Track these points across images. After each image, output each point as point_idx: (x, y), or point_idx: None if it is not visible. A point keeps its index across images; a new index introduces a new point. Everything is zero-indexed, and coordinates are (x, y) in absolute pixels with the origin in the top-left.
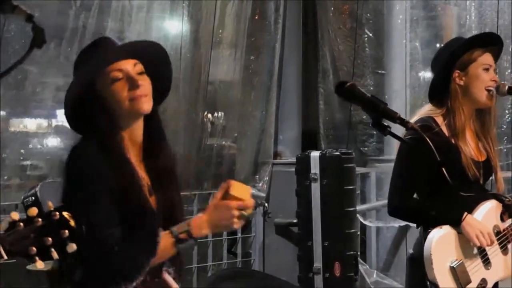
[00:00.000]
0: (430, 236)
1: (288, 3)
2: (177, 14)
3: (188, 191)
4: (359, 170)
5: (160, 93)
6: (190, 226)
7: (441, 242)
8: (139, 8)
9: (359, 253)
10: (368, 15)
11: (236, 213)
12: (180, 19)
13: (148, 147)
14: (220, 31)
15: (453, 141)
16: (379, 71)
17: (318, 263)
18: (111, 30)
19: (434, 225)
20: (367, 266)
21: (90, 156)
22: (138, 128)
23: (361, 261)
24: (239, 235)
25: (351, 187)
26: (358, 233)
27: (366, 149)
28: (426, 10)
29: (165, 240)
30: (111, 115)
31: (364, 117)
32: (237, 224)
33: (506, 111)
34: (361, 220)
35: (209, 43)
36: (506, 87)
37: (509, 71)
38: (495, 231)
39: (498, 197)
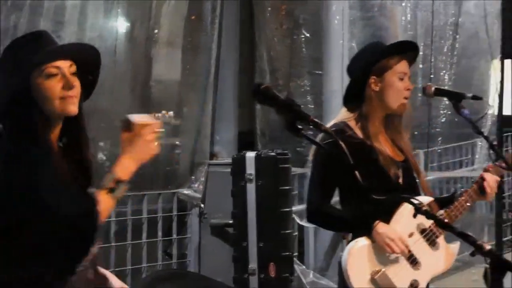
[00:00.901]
0: (345, 251)
1: (225, 3)
2: (112, 14)
3: (137, 191)
4: (296, 170)
5: (84, 97)
6: (114, 172)
7: (356, 256)
8: (73, 7)
9: (296, 253)
10: (306, 15)
11: (150, 137)
12: (115, 19)
13: (67, 147)
14: (156, 31)
15: (368, 143)
16: (317, 72)
17: (253, 264)
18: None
19: (354, 233)
20: (304, 267)
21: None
22: (58, 128)
23: (298, 261)
24: (175, 236)
25: (286, 187)
26: (296, 233)
27: (303, 149)
28: (363, 10)
29: (100, 196)
30: (42, 110)
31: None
32: (157, 147)
33: (441, 112)
34: (298, 220)
35: (145, 43)
36: (433, 88)
37: (444, 71)
38: (420, 230)
39: (409, 200)
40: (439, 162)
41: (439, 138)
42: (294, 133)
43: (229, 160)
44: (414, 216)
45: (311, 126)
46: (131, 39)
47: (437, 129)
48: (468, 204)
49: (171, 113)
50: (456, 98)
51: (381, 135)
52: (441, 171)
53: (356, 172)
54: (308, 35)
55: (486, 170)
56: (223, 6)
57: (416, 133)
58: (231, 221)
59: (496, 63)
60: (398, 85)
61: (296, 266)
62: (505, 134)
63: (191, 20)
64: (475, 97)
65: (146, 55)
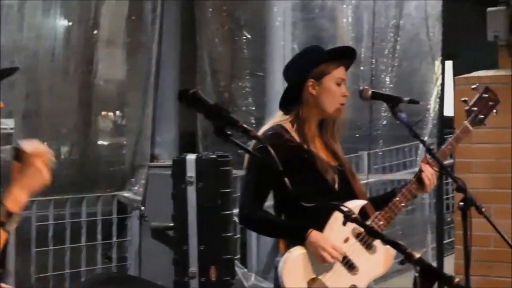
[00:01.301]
0: (280, 261)
1: (166, 3)
2: (50, 14)
3: (75, 194)
4: (238, 173)
5: None
6: (5, 206)
7: (292, 266)
8: (10, 7)
9: (238, 256)
10: (247, 16)
11: (41, 165)
12: (54, 19)
13: None
14: (96, 31)
15: (305, 147)
16: (258, 73)
17: (193, 267)
18: None
19: (289, 240)
20: (246, 270)
21: None
22: None
23: (239, 264)
24: (114, 239)
25: (227, 190)
26: (238, 235)
27: (243, 151)
28: (304, 11)
29: None
30: None
31: (243, 119)
32: (48, 175)
33: (382, 114)
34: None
35: (85, 43)
36: (369, 92)
37: (385, 74)
38: (356, 234)
39: (338, 208)
40: (382, 164)
41: (380, 140)
42: (223, 139)
43: (170, 162)
44: (344, 224)
45: (240, 132)
46: (70, 39)
47: (379, 131)
48: (402, 204)
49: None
50: (392, 101)
51: (317, 138)
52: (384, 173)
53: (286, 179)
54: (249, 36)
55: (424, 161)
56: (164, 6)
57: (357, 135)
58: (171, 224)
59: (437, 66)
60: (335, 90)
61: (237, 269)
62: (446, 136)
63: (132, 20)
64: (412, 101)
65: (85, 55)
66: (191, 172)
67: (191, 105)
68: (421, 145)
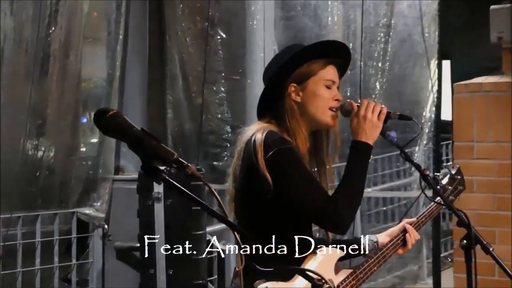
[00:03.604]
0: None
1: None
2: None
3: (28, 211)
4: (212, 187)
5: None
6: None
7: None
8: None
9: (215, 276)
10: (222, 14)
11: None
12: (3, 18)
13: None
14: (51, 31)
15: None
16: (234, 77)
17: None
18: None
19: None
20: None
21: None
22: None
23: (213, 287)
24: (74, 261)
25: (199, 208)
26: (215, 254)
27: (219, 163)
28: (284, 10)
29: None
30: None
31: (218, 127)
32: None
33: None
34: (216, 242)
35: (37, 43)
36: (355, 106)
37: (374, 78)
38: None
39: (306, 275)
40: (375, 173)
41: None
42: (151, 176)
43: (136, 176)
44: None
45: (174, 167)
46: (20, 39)
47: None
48: (375, 268)
49: None
50: None
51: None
52: (376, 183)
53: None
54: (224, 36)
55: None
56: (129, 4)
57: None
58: (137, 245)
59: (432, 71)
60: (323, 94)
61: None
62: (444, 142)
63: (93, 19)
64: (403, 117)
65: (36, 56)
66: (158, 187)
67: (108, 130)
68: (416, 149)
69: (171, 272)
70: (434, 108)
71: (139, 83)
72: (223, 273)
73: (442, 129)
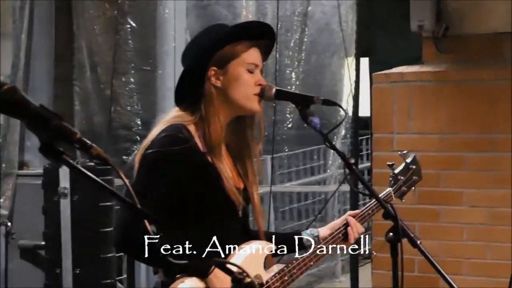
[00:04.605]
0: None
1: None
2: None
3: None
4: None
5: None
6: None
7: None
8: None
9: (125, 275)
10: (132, 2)
11: None
12: None
13: None
14: None
15: (210, 159)
16: (145, 68)
17: None
18: None
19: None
20: None
21: None
22: None
23: (122, 286)
24: None
25: (108, 203)
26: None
27: (129, 158)
28: None
29: None
30: None
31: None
32: None
33: (288, 116)
34: None
35: None
36: (273, 90)
37: (290, 69)
38: (257, 282)
39: (226, 269)
40: (289, 168)
41: (285, 148)
42: (51, 157)
43: (41, 171)
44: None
45: (77, 148)
46: None
47: (284, 136)
48: (311, 263)
49: None
50: (303, 102)
51: (224, 149)
52: (290, 179)
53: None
54: (134, 25)
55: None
56: None
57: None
58: (42, 243)
59: (351, 61)
60: (246, 78)
61: None
62: (362, 137)
63: None
64: (328, 102)
65: None
66: (65, 182)
67: (4, 108)
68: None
69: (78, 272)
70: (352, 100)
71: (45, 73)
72: (133, 272)
73: (362, 124)
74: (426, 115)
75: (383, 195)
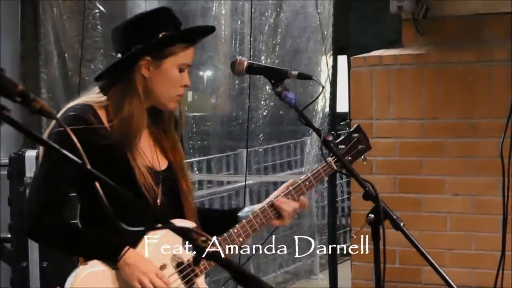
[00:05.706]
0: (68, 282)
1: None
2: None
3: None
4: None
5: None
6: None
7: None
8: None
9: None
10: None
11: None
12: None
13: None
14: None
15: (119, 147)
16: (113, 54)
17: None
18: None
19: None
20: None
21: None
22: None
23: None
24: None
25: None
26: None
27: None
28: None
29: None
30: None
31: None
32: None
33: (262, 103)
34: None
35: None
36: (245, 63)
37: (265, 54)
38: (175, 263)
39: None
40: (265, 163)
41: (261, 136)
42: None
43: (6, 161)
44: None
45: (18, 102)
46: None
47: (258, 124)
48: (241, 239)
49: None
50: (276, 76)
51: (145, 132)
52: (266, 173)
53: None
54: (103, 9)
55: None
56: None
57: (233, 130)
58: (8, 236)
59: (328, 47)
60: (176, 78)
61: None
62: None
63: None
64: (302, 76)
65: None
66: (31, 172)
67: None
68: (308, 142)
69: (45, 265)
70: (329, 85)
71: (10, 60)
72: None
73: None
74: (405, 99)
75: (322, 166)
